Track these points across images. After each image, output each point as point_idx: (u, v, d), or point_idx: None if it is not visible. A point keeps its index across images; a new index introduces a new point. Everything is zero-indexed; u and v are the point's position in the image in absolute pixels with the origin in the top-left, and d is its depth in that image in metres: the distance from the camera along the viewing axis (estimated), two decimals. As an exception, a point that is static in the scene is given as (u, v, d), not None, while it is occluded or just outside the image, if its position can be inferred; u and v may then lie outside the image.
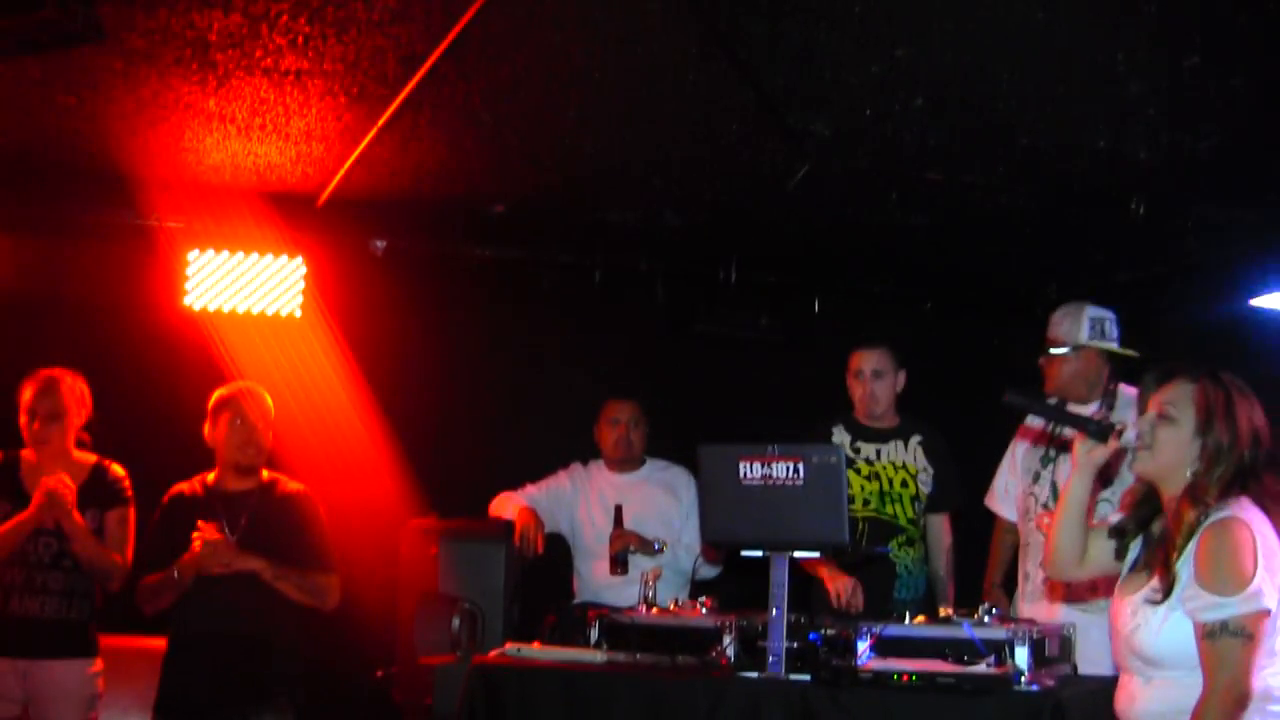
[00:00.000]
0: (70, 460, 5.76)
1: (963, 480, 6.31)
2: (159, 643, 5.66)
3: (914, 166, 5.88)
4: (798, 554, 4.85)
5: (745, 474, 4.78)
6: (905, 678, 4.42)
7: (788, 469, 4.71)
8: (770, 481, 4.73)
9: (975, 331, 8.13)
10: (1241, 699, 3.46)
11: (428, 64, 4.88)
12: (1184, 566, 3.55)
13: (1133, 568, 3.81)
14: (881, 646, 4.65)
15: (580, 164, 6.09)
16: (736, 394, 7.66)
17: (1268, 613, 3.48)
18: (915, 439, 6.24)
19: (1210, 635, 3.49)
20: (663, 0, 4.46)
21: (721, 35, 4.69)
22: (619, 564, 6.35)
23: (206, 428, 5.69)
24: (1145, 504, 3.82)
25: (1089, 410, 5.51)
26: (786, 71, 4.97)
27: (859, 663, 4.60)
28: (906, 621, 4.79)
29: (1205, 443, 3.64)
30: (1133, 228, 6.42)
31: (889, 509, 6.15)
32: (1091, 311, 5.78)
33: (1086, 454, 3.83)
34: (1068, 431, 5.18)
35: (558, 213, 6.88)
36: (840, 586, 5.70)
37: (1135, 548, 3.84)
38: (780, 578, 4.75)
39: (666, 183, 6.31)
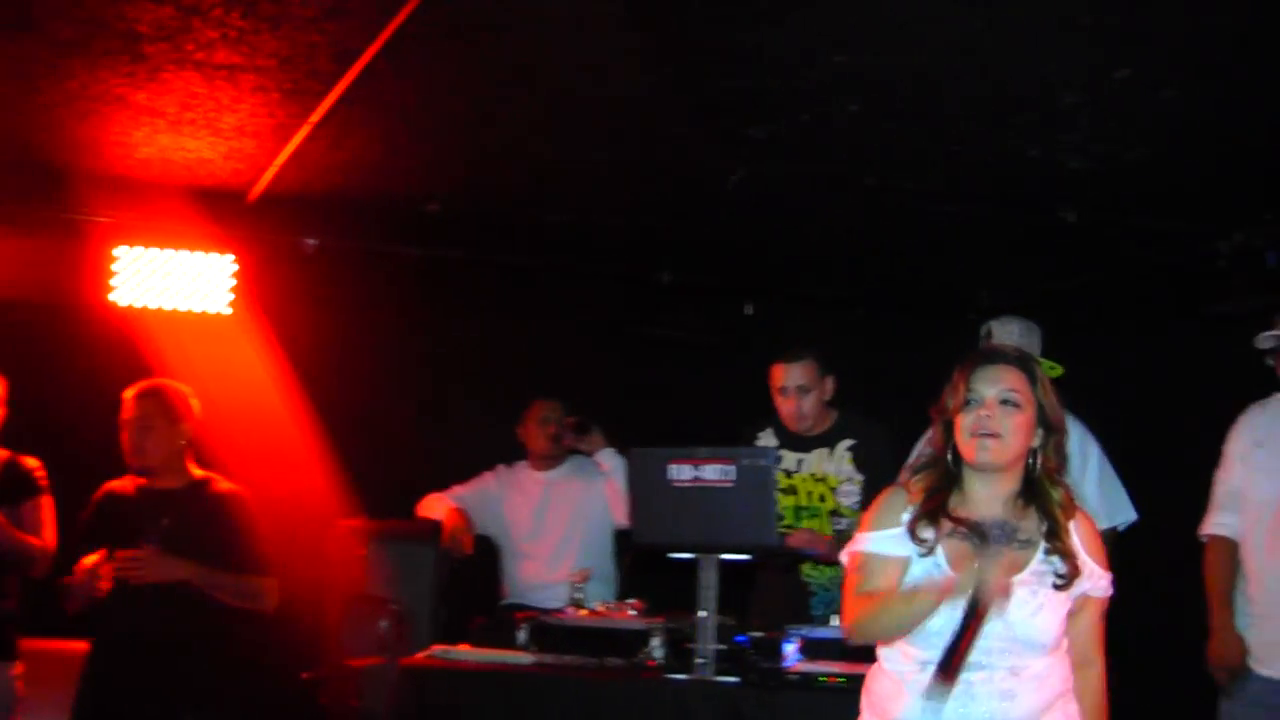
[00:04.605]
0: None
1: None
2: (80, 646, 5.59)
3: (850, 171, 5.89)
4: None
5: (675, 476, 4.78)
6: (832, 679, 4.45)
7: (718, 471, 4.72)
8: (700, 484, 4.74)
9: (907, 336, 8.17)
10: None
11: (362, 60, 4.84)
12: (1077, 546, 3.54)
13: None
14: (809, 649, 4.68)
15: (517, 164, 6.07)
16: (672, 396, 7.67)
17: None
18: (845, 444, 5.95)
19: (1103, 613, 3.61)
20: (602, 3, 4.45)
21: (660, 38, 4.68)
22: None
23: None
24: (940, 491, 3.61)
25: None
26: (724, 75, 4.97)
27: (786, 664, 4.63)
28: (833, 624, 4.82)
29: (1047, 424, 3.58)
30: (1065, 236, 6.47)
31: (804, 525, 5.91)
32: (1034, 325, 5.83)
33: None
34: None
35: (493, 212, 6.85)
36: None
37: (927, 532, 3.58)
38: (709, 580, 4.77)
39: (603, 184, 6.30)
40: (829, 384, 5.98)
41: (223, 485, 5.69)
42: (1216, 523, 5.37)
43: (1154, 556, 5.72)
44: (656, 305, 7.93)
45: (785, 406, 5.93)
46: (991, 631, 3.41)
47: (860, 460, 5.91)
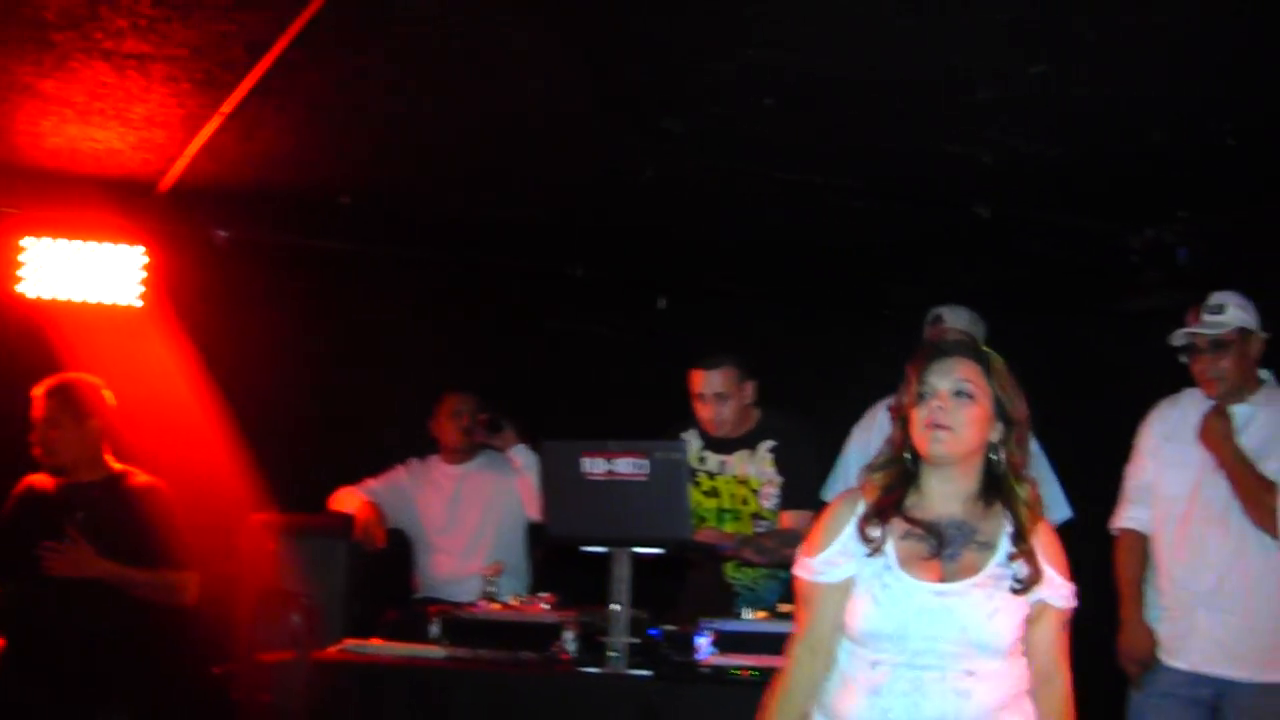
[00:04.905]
0: None
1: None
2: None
3: (764, 166, 5.89)
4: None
5: (588, 469, 4.77)
6: (745, 672, 4.46)
7: (631, 465, 4.71)
8: (613, 477, 4.73)
9: (821, 330, 8.20)
10: None
11: (275, 51, 4.80)
12: (1038, 552, 3.43)
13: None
14: (723, 642, 4.68)
15: (430, 157, 6.04)
16: (585, 390, 7.66)
17: None
18: (766, 445, 5.84)
19: (1065, 624, 3.50)
20: (516, -5, 4.44)
21: (574, 30, 4.67)
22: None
23: None
24: (895, 489, 3.49)
25: None
26: (638, 68, 4.97)
27: (699, 658, 4.63)
28: (745, 617, 4.83)
29: (1005, 416, 3.47)
30: (979, 232, 6.51)
31: (727, 527, 5.84)
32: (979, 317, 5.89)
33: None
34: None
35: (405, 205, 6.82)
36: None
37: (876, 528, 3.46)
38: (622, 573, 4.76)
39: (517, 176, 6.28)
40: (749, 389, 5.87)
41: (140, 479, 5.67)
42: (1127, 516, 5.42)
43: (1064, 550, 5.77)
44: (570, 299, 7.92)
45: (704, 412, 5.85)
46: (946, 635, 3.35)
47: (780, 461, 5.82)
